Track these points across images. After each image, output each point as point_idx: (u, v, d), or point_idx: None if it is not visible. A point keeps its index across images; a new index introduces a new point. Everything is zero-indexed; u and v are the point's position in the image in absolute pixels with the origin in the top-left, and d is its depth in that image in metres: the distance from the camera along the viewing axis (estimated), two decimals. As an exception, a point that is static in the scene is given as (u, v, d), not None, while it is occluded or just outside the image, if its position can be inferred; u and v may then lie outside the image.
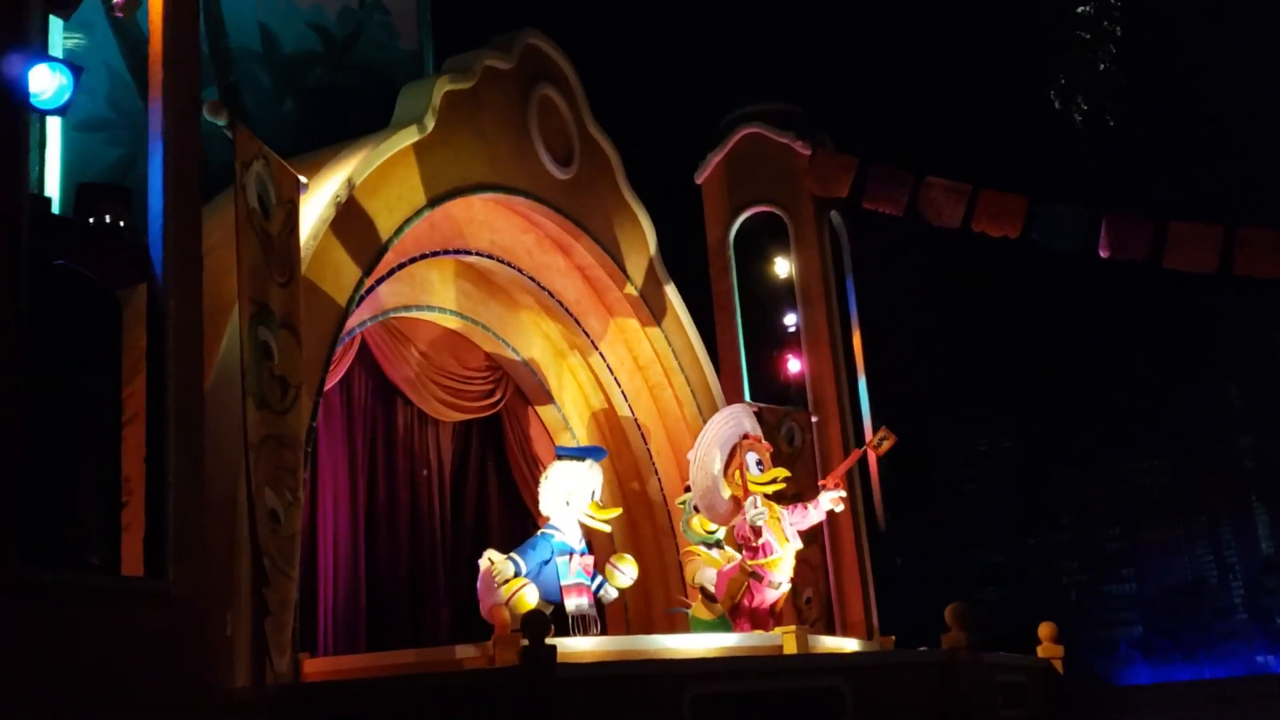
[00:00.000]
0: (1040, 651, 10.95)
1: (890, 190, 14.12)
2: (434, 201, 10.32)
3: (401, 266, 10.69)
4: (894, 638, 13.19)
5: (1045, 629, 10.99)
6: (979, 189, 13.78)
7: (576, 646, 8.88)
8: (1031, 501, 17.95)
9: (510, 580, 9.27)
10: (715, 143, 14.91)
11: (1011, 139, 17.66)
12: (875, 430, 12.03)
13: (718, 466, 10.56)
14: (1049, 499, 17.89)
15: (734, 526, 10.62)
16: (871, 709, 8.54)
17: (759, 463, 10.63)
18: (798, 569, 13.51)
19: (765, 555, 10.46)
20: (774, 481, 10.58)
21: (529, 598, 9.15)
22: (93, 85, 10.62)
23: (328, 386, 10.71)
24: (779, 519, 10.57)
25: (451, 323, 11.91)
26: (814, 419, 14.12)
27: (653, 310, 12.71)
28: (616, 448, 13.09)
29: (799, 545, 10.68)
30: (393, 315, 11.15)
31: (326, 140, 10.58)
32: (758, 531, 10.37)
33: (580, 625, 9.59)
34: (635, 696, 7.82)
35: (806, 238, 14.54)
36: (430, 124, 10.35)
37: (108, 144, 10.78)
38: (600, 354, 12.78)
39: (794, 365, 14.39)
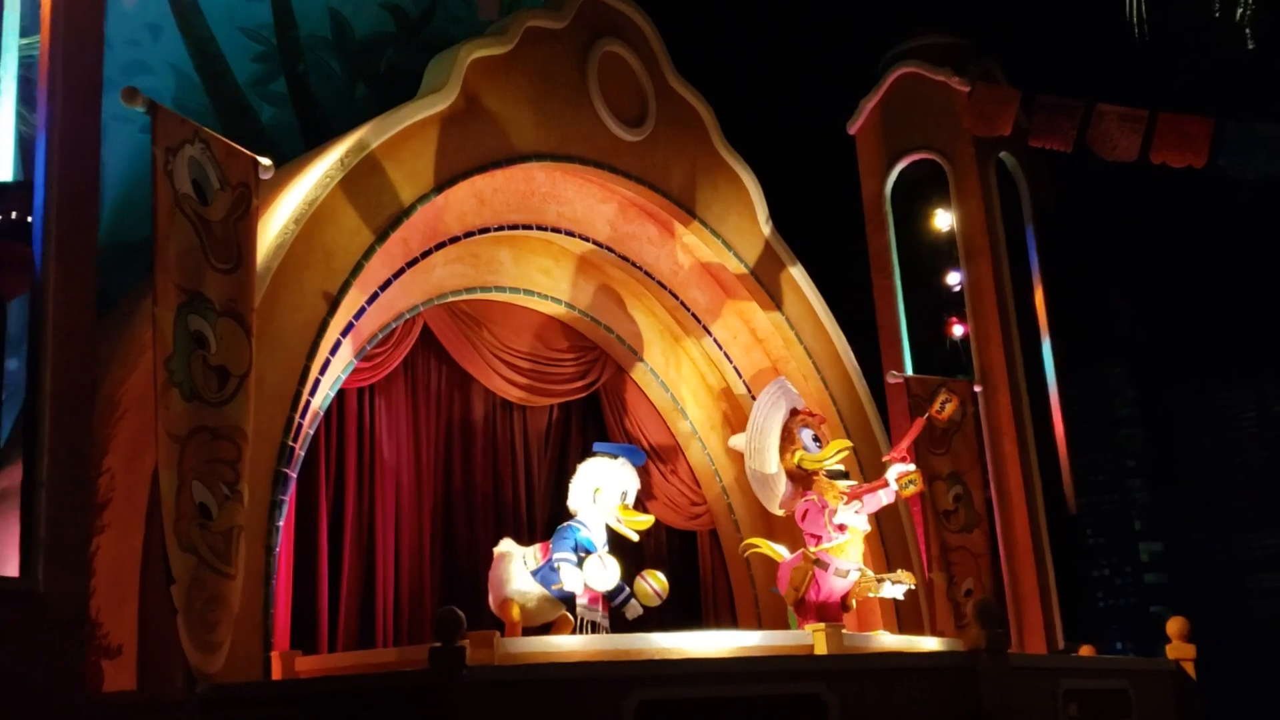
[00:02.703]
0: (1170, 651, 9.12)
1: (1057, 124, 12.23)
2: (454, 179, 9.71)
3: (440, 247, 10.19)
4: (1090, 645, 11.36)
5: (1174, 625, 9.15)
6: (1156, 113, 11.70)
7: (560, 646, 8.15)
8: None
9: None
10: (869, 88, 13.53)
11: (1189, 53, 14.95)
12: (936, 394, 10.45)
13: (774, 454, 9.53)
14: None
15: (804, 515, 9.52)
16: (866, 723, 7.28)
17: (815, 438, 9.52)
18: (956, 558, 12.09)
19: (829, 541, 9.35)
20: (835, 455, 9.44)
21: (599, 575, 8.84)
22: (159, 87, 10.79)
23: (385, 372, 10.46)
24: (841, 498, 9.36)
25: (530, 303, 11.29)
26: (977, 388, 12.51)
27: (759, 278, 11.56)
28: (738, 427, 12.06)
29: (866, 529, 9.43)
30: (452, 299, 10.69)
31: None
32: (842, 529, 9.32)
33: (589, 629, 8.99)
34: (564, 702, 7.05)
35: (968, 185, 12.93)
36: (452, 95, 9.82)
37: (175, 145, 10.90)
38: (705, 328, 11.80)
39: (959, 329, 12.84)
